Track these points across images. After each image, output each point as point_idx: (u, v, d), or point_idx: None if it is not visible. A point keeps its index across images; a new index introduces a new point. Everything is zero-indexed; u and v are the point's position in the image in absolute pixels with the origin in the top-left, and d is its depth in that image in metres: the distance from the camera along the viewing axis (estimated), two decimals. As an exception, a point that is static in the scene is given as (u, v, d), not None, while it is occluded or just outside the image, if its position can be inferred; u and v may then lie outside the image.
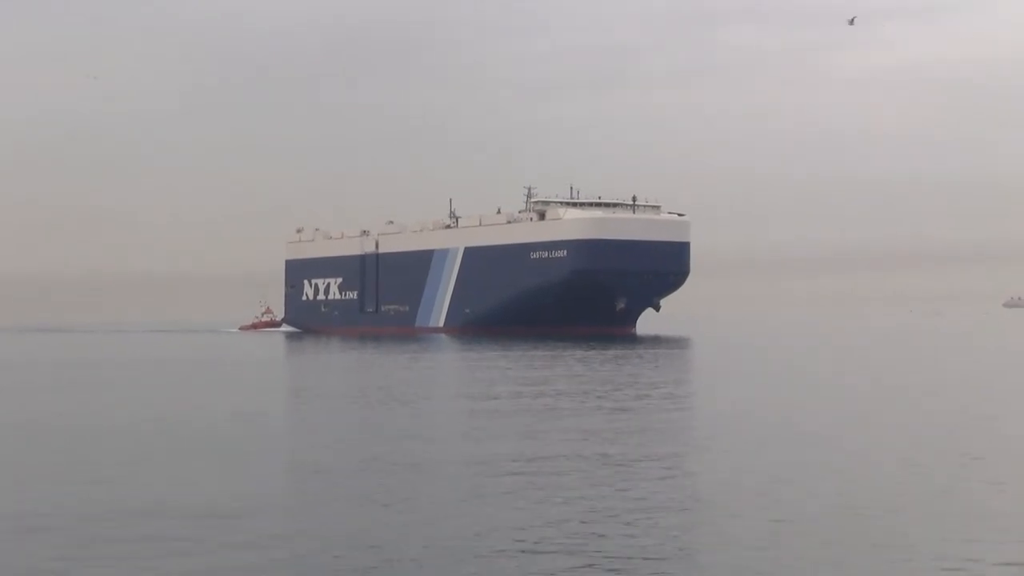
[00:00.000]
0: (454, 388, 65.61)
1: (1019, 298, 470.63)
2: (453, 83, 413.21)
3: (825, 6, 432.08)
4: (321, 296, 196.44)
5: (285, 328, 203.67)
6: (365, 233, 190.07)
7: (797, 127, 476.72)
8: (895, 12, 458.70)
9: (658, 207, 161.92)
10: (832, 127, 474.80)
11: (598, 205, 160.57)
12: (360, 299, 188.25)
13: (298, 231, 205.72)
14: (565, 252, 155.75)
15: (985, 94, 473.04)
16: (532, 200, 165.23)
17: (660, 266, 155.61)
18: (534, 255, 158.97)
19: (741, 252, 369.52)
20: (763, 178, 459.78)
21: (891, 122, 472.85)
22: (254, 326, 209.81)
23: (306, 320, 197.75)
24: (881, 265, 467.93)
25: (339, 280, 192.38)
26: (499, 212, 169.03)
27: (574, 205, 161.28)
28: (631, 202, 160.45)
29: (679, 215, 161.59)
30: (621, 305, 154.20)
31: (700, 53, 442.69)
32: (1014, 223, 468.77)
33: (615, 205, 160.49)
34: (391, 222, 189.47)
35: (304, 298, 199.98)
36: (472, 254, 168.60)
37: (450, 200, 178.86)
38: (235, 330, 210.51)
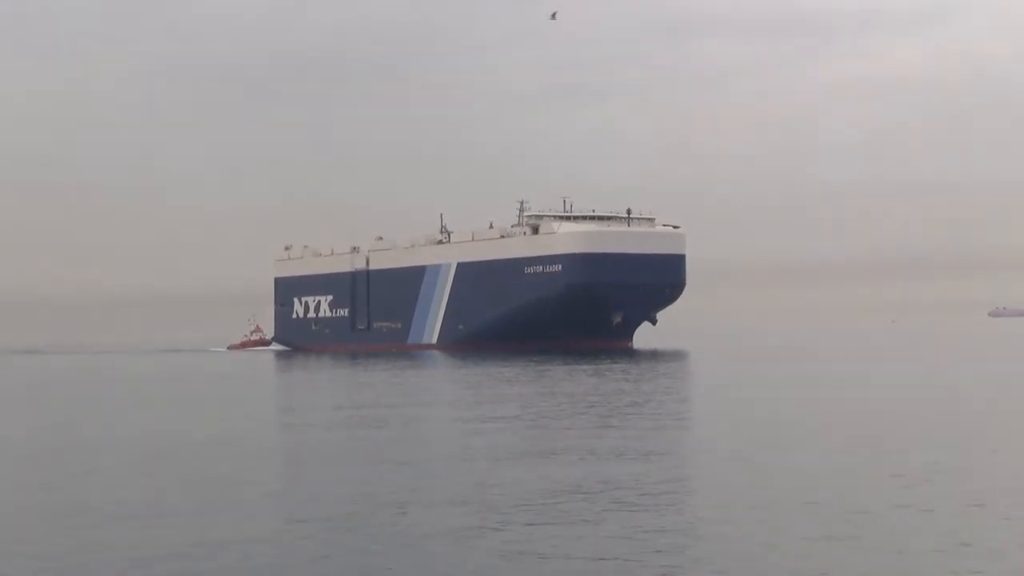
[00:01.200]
0: (449, 406, 63.60)
1: (1004, 308, 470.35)
2: (440, 97, 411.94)
3: (806, 16, 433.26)
4: (312, 314, 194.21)
5: (275, 347, 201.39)
6: (355, 250, 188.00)
7: (786, 137, 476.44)
8: (880, 21, 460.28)
9: (652, 219, 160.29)
10: (821, 135, 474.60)
11: (592, 218, 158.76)
12: (351, 316, 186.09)
13: (286, 248, 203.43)
14: (560, 267, 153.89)
15: (967, 103, 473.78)
16: (525, 214, 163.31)
17: (656, 279, 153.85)
18: (528, 270, 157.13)
19: (731, 262, 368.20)
20: (756, 187, 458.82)
21: (879, 130, 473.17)
22: (243, 345, 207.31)
23: (296, 338, 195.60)
24: (884, 273, 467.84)
25: (329, 297, 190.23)
26: (491, 227, 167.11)
27: (568, 219, 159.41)
28: (626, 215, 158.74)
29: (674, 227, 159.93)
30: (617, 319, 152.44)
31: (683, 63, 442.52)
32: (1001, 232, 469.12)
33: (609, 218, 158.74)
34: (380, 238, 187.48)
35: (294, 316, 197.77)
36: (465, 270, 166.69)
37: (441, 215, 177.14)
38: (223, 349, 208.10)
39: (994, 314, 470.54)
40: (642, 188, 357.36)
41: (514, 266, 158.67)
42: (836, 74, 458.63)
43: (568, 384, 77.76)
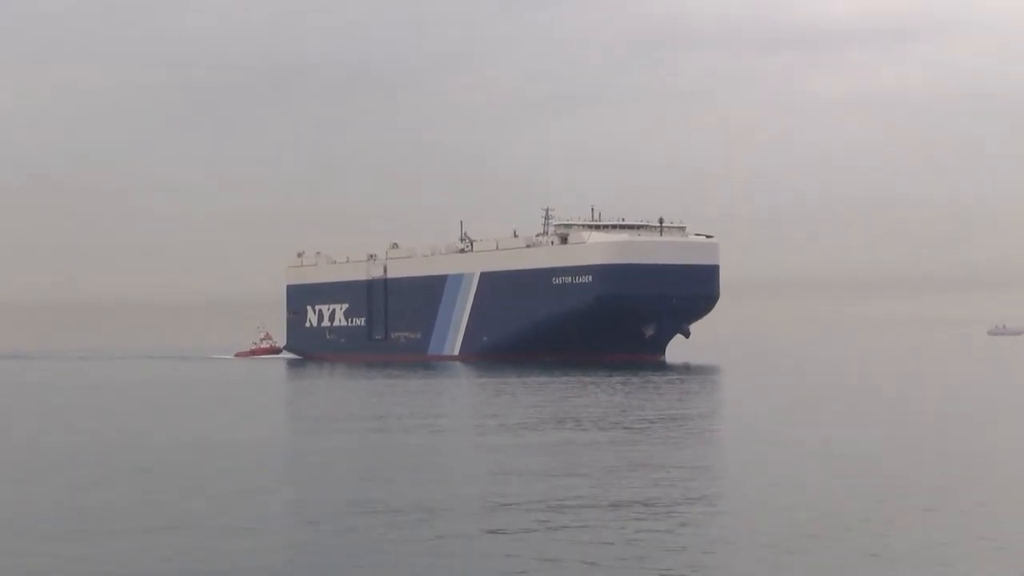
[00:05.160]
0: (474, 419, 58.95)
1: (1004, 326, 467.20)
2: (433, 106, 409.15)
3: (798, 30, 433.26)
4: (326, 322, 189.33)
5: (285, 355, 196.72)
6: (372, 257, 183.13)
7: (774, 151, 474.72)
8: (869, 38, 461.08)
9: (683, 228, 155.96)
10: (811, 150, 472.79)
11: (622, 227, 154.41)
12: (368, 326, 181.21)
13: (299, 255, 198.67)
14: (590, 277, 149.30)
15: (961, 119, 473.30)
16: (553, 223, 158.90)
17: (689, 290, 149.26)
18: (556, 280, 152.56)
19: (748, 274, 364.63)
20: (748, 200, 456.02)
21: (868, 146, 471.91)
22: (252, 352, 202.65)
23: (310, 347, 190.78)
24: (879, 288, 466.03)
25: (345, 306, 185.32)
26: (516, 235, 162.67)
27: (597, 228, 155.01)
28: (657, 224, 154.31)
29: (707, 236, 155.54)
30: (650, 331, 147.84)
31: (670, 78, 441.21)
32: (999, 249, 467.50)
33: (640, 227, 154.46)
34: (396, 245, 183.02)
35: (307, 324, 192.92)
36: (488, 279, 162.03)
37: (461, 223, 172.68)
38: (230, 357, 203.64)
39: (994, 332, 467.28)
40: (637, 200, 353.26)
41: (541, 276, 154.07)
42: (827, 89, 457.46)
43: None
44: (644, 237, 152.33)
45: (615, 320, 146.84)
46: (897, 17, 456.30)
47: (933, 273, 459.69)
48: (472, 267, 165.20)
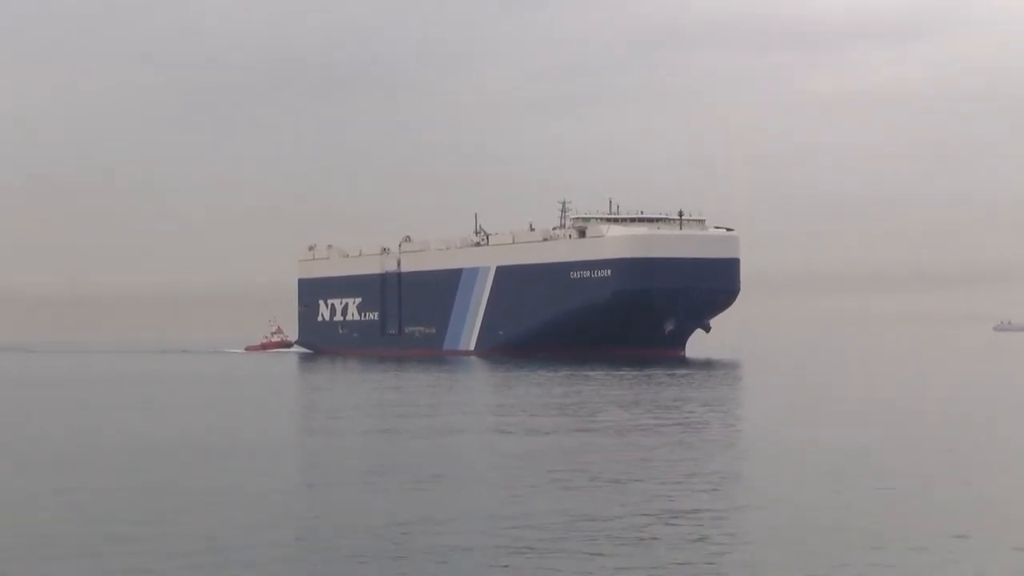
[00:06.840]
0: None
1: (1009, 322, 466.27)
2: (432, 104, 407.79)
3: (796, 29, 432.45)
4: (338, 316, 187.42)
5: (297, 349, 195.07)
6: (385, 251, 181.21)
7: (776, 149, 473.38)
8: (871, 34, 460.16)
9: (703, 221, 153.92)
10: (815, 147, 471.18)
11: (641, 220, 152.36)
12: (381, 320, 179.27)
13: (310, 248, 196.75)
14: (609, 271, 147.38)
15: (965, 115, 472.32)
16: (571, 216, 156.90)
17: (709, 284, 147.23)
18: (574, 274, 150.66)
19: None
20: (748, 198, 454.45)
21: (874, 142, 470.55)
22: (263, 346, 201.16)
23: (322, 341, 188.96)
24: (883, 284, 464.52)
25: (358, 300, 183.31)
26: (532, 229, 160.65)
27: (616, 221, 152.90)
28: (676, 216, 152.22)
29: (727, 230, 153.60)
30: (670, 326, 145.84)
31: (671, 76, 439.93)
32: (1006, 245, 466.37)
33: (659, 220, 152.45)
34: (408, 238, 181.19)
35: (320, 318, 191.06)
36: (505, 273, 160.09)
37: (475, 215, 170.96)
38: (240, 351, 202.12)
39: (999, 328, 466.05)
40: (637, 199, 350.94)
41: (559, 270, 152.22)
42: (827, 88, 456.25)
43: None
44: (663, 231, 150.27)
45: (634, 315, 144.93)
46: (897, 16, 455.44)
47: (936, 270, 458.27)
48: (488, 261, 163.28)
